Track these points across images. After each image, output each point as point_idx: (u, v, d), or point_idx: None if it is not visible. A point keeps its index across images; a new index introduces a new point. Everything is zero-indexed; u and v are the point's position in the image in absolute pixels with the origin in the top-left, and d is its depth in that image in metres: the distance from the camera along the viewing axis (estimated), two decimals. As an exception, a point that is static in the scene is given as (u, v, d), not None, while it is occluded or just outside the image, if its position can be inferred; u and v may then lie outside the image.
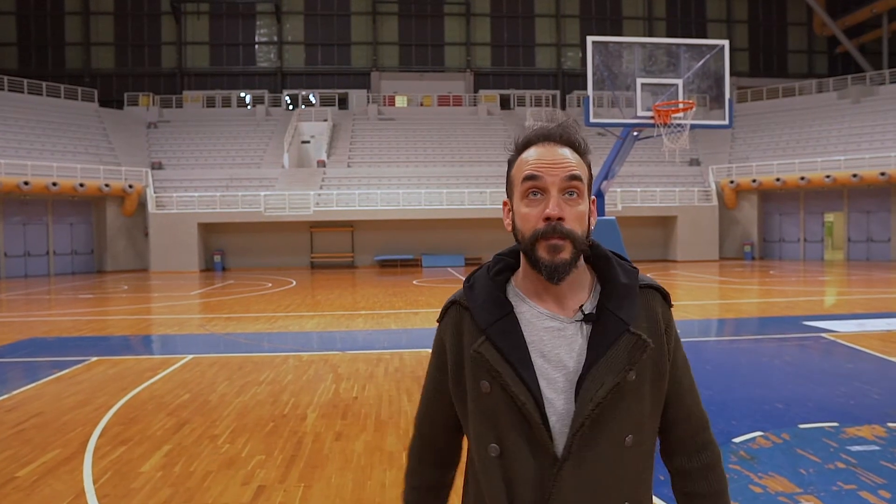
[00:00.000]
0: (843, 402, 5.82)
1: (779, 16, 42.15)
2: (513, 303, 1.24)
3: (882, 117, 30.44)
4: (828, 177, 27.11)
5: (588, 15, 41.02)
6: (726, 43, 7.64)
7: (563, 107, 38.29)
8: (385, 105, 37.48)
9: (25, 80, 30.37)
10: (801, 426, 5.11)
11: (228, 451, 4.63)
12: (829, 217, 31.34)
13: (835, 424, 5.14)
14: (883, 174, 26.00)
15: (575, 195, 1.18)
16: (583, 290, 1.24)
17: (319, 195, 27.71)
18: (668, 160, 31.42)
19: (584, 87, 36.40)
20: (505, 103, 38.02)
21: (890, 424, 5.12)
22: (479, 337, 1.21)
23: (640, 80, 7.18)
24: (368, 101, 37.35)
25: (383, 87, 39.48)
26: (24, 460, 4.48)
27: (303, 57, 40.28)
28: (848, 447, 4.61)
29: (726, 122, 7.89)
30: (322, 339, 9.85)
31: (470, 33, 40.66)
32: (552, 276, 1.17)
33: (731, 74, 31.39)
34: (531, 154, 1.21)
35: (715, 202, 29.21)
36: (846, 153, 28.46)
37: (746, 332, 10.21)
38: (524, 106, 37.28)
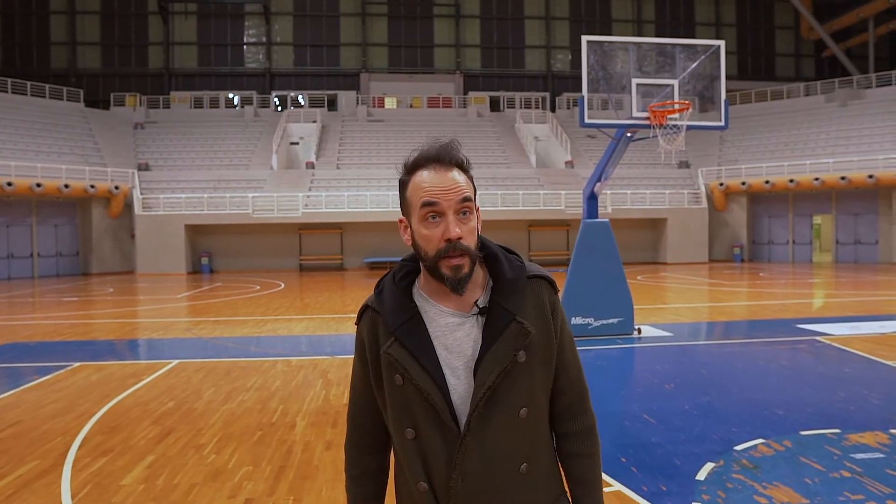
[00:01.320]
0: (843, 407, 5.72)
1: (766, 19, 42.37)
2: (418, 304, 1.41)
3: (869, 120, 30.62)
4: (816, 179, 27.20)
5: (578, 17, 41.04)
6: (722, 43, 7.55)
7: (553, 109, 38.27)
8: (374, 106, 37.31)
9: (9, 80, 29.94)
10: (803, 433, 5.00)
11: (215, 462, 4.46)
12: (818, 219, 31.49)
13: (836, 431, 5.04)
14: (871, 177, 26.12)
15: (467, 214, 1.35)
16: (478, 287, 1.41)
17: (308, 197, 27.48)
18: (658, 162, 31.47)
19: (574, 89, 36.77)
20: (495, 105, 37.95)
21: (893, 431, 5.03)
22: (389, 338, 1.37)
23: (635, 81, 7.07)
24: (358, 103, 37.16)
25: (373, 88, 39.31)
26: (-1, 473, 4.29)
27: (291, 58, 40.04)
28: (852, 455, 4.50)
29: (722, 122, 7.79)
30: (311, 343, 9.68)
31: (459, 35, 40.57)
32: (456, 289, 1.34)
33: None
34: (425, 178, 1.34)
35: (705, 204, 29.24)
36: (834, 156, 28.58)
37: (740, 335, 10.13)
38: (514, 108, 37.24)
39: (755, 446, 4.70)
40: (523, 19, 41.00)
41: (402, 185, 1.39)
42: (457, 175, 1.35)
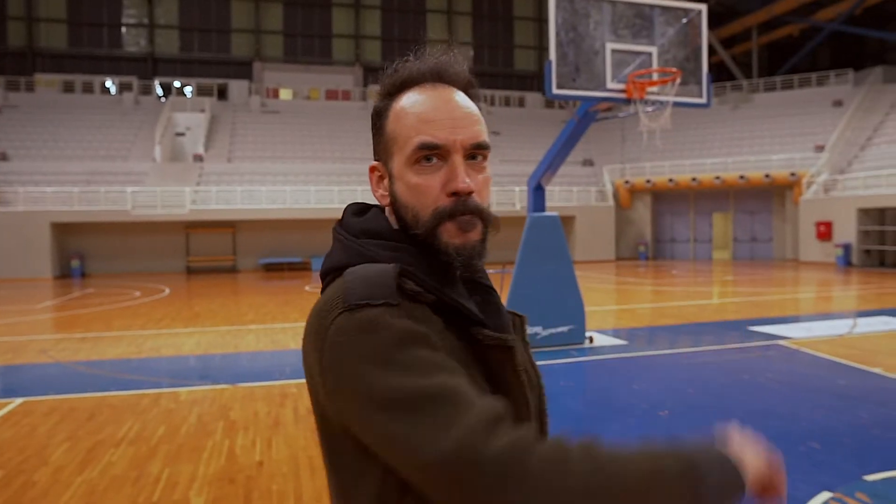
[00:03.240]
0: (879, 435, 4.74)
1: (662, 23, 43.40)
2: None
3: (760, 122, 31.72)
4: (717, 178, 27.68)
5: (480, 12, 40.37)
6: (704, 7, 6.55)
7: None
8: (269, 97, 34.95)
9: None
10: (867, 478, 3.92)
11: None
12: (717, 217, 32.25)
13: (903, 474, 4.00)
14: (767, 176, 26.84)
15: (479, 159, 0.94)
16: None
17: (196, 192, 24.89)
18: (571, 160, 31.14)
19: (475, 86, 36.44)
20: (397, 99, 36.54)
21: (962, 469, 4.05)
22: (459, 326, 0.92)
23: (609, 45, 5.90)
24: (251, 93, 34.66)
25: (267, 78, 36.88)
26: None
27: (177, 43, 36.82)
28: (949, 513, 3.45)
29: (703, 99, 6.79)
30: (205, 365, 7.85)
31: (359, 25, 38.85)
32: (469, 262, 0.91)
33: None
34: (420, 103, 0.92)
35: (611, 202, 29.13)
36: (730, 156, 29.28)
37: (700, 341, 9.22)
38: (418, 102, 35.94)
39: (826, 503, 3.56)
40: (425, 13, 39.82)
41: (379, 114, 0.96)
42: (468, 103, 0.94)
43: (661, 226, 31.10)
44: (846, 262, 23.02)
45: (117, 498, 3.75)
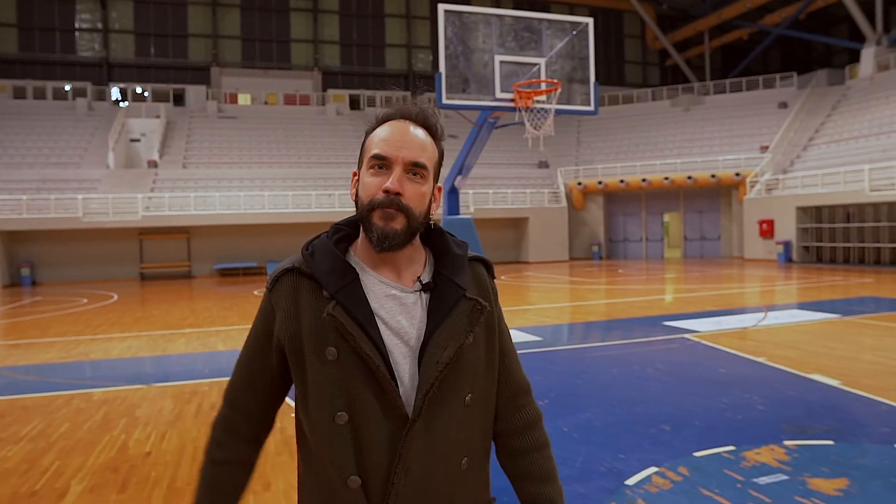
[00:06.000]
0: (730, 416, 5.19)
1: (616, 28, 44.25)
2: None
3: (710, 124, 32.66)
4: (666, 178, 28.44)
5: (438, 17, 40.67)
6: (590, 21, 6.97)
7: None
8: (226, 102, 34.87)
9: None
10: (697, 454, 4.35)
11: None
12: (667, 217, 33.07)
13: (731, 448, 4.43)
14: (713, 176, 27.67)
15: (418, 176, 1.24)
16: (418, 264, 1.30)
17: (150, 198, 24.83)
18: (520, 161, 31.69)
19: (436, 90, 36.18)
20: (354, 104, 36.73)
21: (787, 443, 4.50)
22: (325, 303, 1.21)
23: (498, 58, 6.29)
24: (208, 98, 34.51)
25: (224, 83, 36.79)
26: None
27: (132, 48, 36.53)
28: (754, 480, 3.87)
29: (591, 107, 7.20)
30: (126, 368, 8.07)
31: (318, 30, 38.95)
32: (382, 241, 1.20)
33: (574, 81, 31.79)
34: (384, 131, 1.25)
35: (564, 203, 29.69)
36: (681, 157, 30.10)
37: (611, 336, 9.70)
38: (374, 107, 36.11)
39: (648, 478, 3.96)
40: (384, 17, 40.07)
41: (365, 136, 1.31)
42: (420, 135, 1.26)
43: (614, 226, 31.80)
44: (786, 259, 23.89)
45: (4, 487, 4.02)
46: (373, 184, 1.22)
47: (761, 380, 6.41)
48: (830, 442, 4.51)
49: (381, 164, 1.22)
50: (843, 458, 4.20)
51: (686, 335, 9.06)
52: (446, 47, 6.09)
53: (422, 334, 1.23)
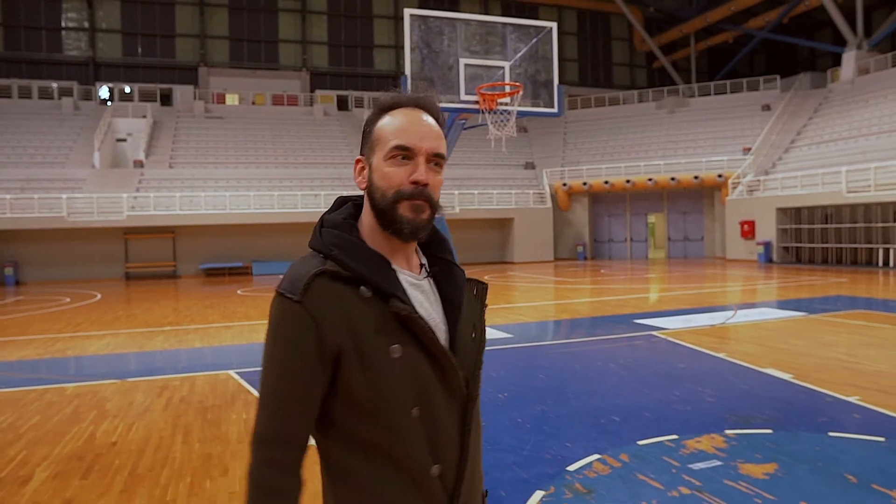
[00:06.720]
0: (679, 408, 5.40)
1: (604, 31, 44.57)
2: None
3: (693, 126, 33.00)
4: (650, 180, 28.74)
5: (426, 18, 40.86)
6: (554, 25, 7.17)
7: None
8: (214, 102, 34.89)
9: None
10: (640, 443, 4.55)
11: None
12: (652, 218, 33.38)
13: (674, 437, 4.63)
14: (696, 178, 28.00)
15: (438, 167, 1.26)
16: (416, 251, 1.31)
17: (136, 198, 24.88)
18: (505, 163, 31.89)
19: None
20: (342, 104, 36.85)
21: (728, 432, 4.71)
22: (369, 301, 1.18)
23: (463, 61, 6.48)
24: (195, 98, 34.53)
25: (212, 83, 36.83)
26: None
27: (120, 47, 36.51)
28: (689, 465, 4.08)
29: (555, 109, 7.40)
30: (103, 364, 8.20)
31: (306, 31, 39.05)
32: (414, 233, 1.22)
33: (563, 83, 32.21)
34: (402, 117, 1.24)
35: (549, 204, 29.92)
36: (665, 158, 30.41)
37: (580, 333, 9.91)
38: (362, 107, 36.28)
39: (590, 464, 4.16)
40: (372, 18, 40.22)
41: (370, 122, 1.27)
42: (434, 124, 1.26)
43: (598, 226, 32.08)
44: (767, 259, 24.21)
45: (-33, 476, 4.17)
46: (397, 174, 1.21)
47: (717, 374, 6.63)
48: (769, 431, 4.72)
49: (405, 154, 1.22)
50: (777, 445, 4.41)
51: (654, 332, 9.28)
52: (412, 50, 6.29)
53: (443, 318, 1.26)
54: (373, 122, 1.27)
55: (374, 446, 1.19)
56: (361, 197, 1.32)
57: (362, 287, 1.18)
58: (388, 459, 1.19)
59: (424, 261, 1.31)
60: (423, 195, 1.21)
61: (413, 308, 1.19)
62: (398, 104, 1.26)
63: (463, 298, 1.29)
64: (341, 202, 1.33)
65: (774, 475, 3.88)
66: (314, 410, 1.20)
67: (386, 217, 1.22)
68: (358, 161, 1.28)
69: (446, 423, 1.22)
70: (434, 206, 1.24)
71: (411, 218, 1.21)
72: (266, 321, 1.22)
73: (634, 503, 3.55)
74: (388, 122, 1.24)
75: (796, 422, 4.94)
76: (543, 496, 3.67)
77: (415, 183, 1.20)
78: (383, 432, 1.19)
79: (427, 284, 1.28)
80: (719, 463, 4.11)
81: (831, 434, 4.61)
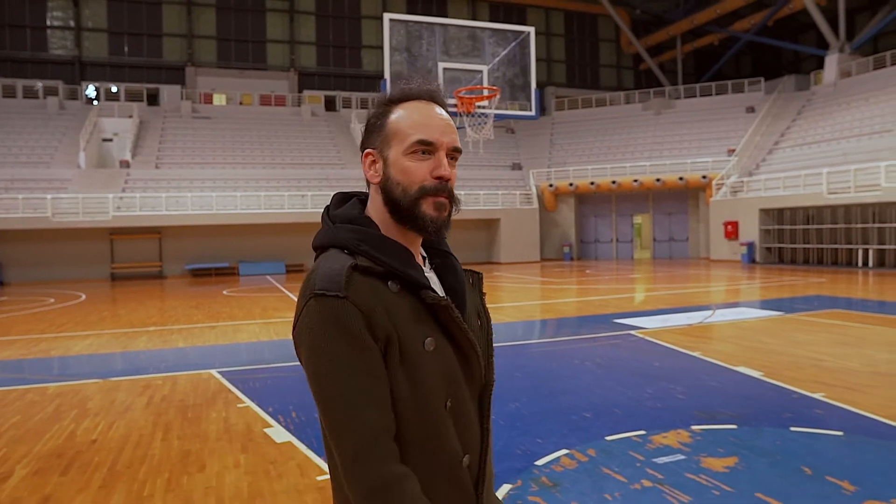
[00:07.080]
0: (650, 405, 5.54)
1: (591, 33, 44.84)
2: None
3: (679, 128, 33.29)
4: (636, 181, 28.98)
5: (414, 19, 40.94)
6: (531, 30, 7.29)
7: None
8: (201, 102, 34.84)
9: None
10: (608, 438, 4.68)
11: None
12: (638, 219, 33.65)
13: (642, 433, 4.77)
14: (681, 179, 28.27)
15: (455, 161, 1.25)
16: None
17: (121, 198, 24.83)
18: (492, 164, 32.04)
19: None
20: (330, 105, 36.90)
21: (694, 428, 4.86)
22: (400, 294, 1.17)
23: (441, 65, 6.59)
24: (182, 98, 34.48)
25: (199, 83, 36.76)
26: None
27: (106, 46, 36.36)
28: (654, 459, 4.21)
29: (532, 112, 7.52)
30: (86, 364, 8.25)
31: (294, 31, 39.05)
32: (438, 231, 1.22)
33: (549, 84, 32.57)
34: (420, 111, 1.22)
35: (536, 205, 30.10)
36: (650, 159, 30.68)
37: (560, 333, 10.06)
38: (350, 108, 36.34)
39: (557, 459, 4.29)
40: (360, 18, 40.27)
41: (381, 115, 1.24)
42: (450, 119, 1.26)
43: (585, 227, 32.31)
44: (750, 260, 24.50)
45: (-52, 473, 4.24)
46: (419, 169, 1.20)
47: (690, 372, 6.78)
48: (734, 426, 4.87)
49: (427, 149, 1.20)
50: (740, 439, 4.56)
51: (632, 332, 9.43)
52: (392, 53, 6.39)
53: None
54: (384, 114, 1.24)
55: (408, 442, 1.15)
56: (363, 192, 1.31)
57: (390, 282, 1.16)
58: (423, 453, 1.17)
59: (425, 254, 1.32)
60: (445, 190, 1.21)
61: (447, 299, 1.20)
62: (411, 96, 1.24)
63: (465, 289, 1.30)
64: (345, 198, 1.32)
65: (734, 468, 4.02)
66: (387, 392, 1.14)
67: (406, 213, 1.21)
68: (368, 154, 1.25)
69: (470, 412, 1.23)
70: (454, 202, 1.24)
71: (435, 217, 1.21)
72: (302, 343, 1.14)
73: (598, 495, 3.68)
74: (404, 116, 1.22)
75: (761, 417, 5.10)
76: (511, 489, 3.79)
77: (438, 178, 1.20)
78: (419, 427, 1.16)
79: (433, 275, 1.29)
80: (682, 457, 4.24)
81: (793, 429, 4.77)
